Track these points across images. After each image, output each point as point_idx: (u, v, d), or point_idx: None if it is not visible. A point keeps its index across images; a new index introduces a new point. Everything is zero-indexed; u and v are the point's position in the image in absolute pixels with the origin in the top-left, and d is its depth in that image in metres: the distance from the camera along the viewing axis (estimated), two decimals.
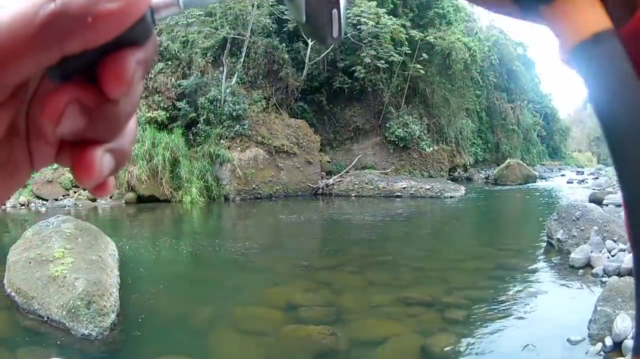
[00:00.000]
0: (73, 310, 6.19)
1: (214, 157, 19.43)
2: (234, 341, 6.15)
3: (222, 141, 19.74)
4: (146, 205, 18.96)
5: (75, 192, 21.60)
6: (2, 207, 20.68)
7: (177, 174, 19.32)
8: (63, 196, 21.64)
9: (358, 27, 21.78)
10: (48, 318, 6.45)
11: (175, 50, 22.85)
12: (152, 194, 19.28)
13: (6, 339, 6.37)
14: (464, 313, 6.45)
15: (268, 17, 21.79)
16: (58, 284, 6.75)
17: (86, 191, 20.16)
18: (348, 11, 21.62)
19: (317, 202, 18.43)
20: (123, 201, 19.93)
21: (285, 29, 22.18)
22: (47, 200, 21.45)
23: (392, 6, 24.60)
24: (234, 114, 19.80)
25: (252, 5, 20.83)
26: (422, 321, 6.26)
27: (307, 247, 11.14)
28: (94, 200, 20.63)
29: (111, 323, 6.20)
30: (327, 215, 15.54)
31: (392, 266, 8.89)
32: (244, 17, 21.21)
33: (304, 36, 21.39)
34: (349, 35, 21.62)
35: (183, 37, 22.90)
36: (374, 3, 22.34)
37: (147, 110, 21.84)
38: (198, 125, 20.65)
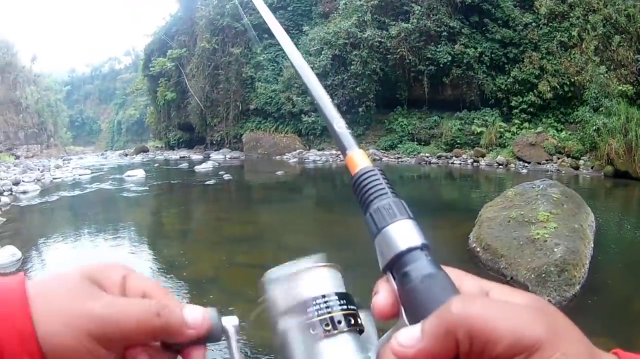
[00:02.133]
0: (543, 275, 6.00)
1: None
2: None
3: None
4: (620, 180, 18.25)
5: (559, 159, 22.04)
6: (475, 164, 23.82)
7: None
8: (546, 160, 22.17)
9: None
10: (512, 278, 6.35)
11: (624, 24, 22.75)
12: (626, 170, 18.55)
13: None
14: None
15: None
16: (536, 246, 6.58)
17: (570, 158, 21.65)
18: None
19: None
20: (602, 173, 19.43)
21: None
22: (528, 162, 22.26)
23: None
24: None
25: None
26: None
27: None
28: (576, 168, 20.73)
29: (573, 294, 5.87)
30: None
31: None
32: None
33: None
34: None
35: (624, 10, 22.85)
36: None
37: (618, 83, 21.88)
38: None
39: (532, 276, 6.14)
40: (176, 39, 40.90)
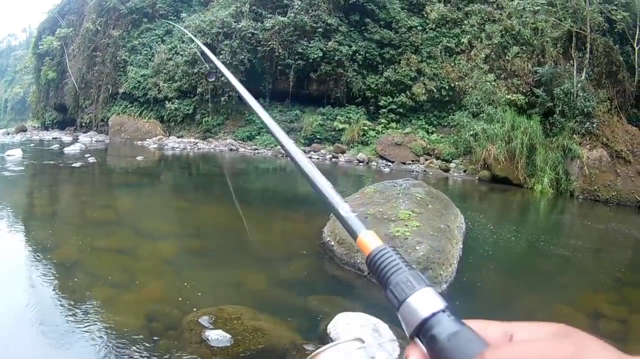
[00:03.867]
0: None
1: (566, 151, 19.29)
2: None
3: (574, 136, 19.59)
4: (498, 185, 19.12)
5: (426, 160, 22.37)
6: (334, 159, 22.64)
7: (532, 160, 19.30)
8: (412, 160, 22.44)
9: None
10: (369, 273, 5.69)
11: (527, 36, 23.20)
12: (506, 176, 19.54)
13: (309, 283, 6.56)
14: None
15: (599, 14, 21.26)
16: (396, 244, 6.56)
17: (440, 160, 22.09)
18: None
19: (638, 216, 17.40)
20: (477, 177, 20.26)
21: (615, 29, 21.32)
22: (392, 162, 22.40)
23: None
24: (585, 110, 19.64)
25: (585, 0, 20.71)
26: None
27: (623, 259, 10.82)
28: (446, 170, 21.22)
29: (439, 293, 5.54)
30: None
31: None
32: (581, 12, 21.14)
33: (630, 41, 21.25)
34: None
35: (532, 23, 23.11)
36: None
37: (506, 92, 22.56)
38: (554, 115, 20.53)
39: None
40: (66, 18, 39.89)
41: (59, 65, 39.19)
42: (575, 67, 20.93)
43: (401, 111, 25.60)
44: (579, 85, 20.22)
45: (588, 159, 19.12)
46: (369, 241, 0.66)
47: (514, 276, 8.43)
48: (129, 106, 32.53)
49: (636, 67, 21.37)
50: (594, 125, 19.69)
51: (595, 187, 18.91)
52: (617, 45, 21.83)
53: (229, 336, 4.43)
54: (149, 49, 32.55)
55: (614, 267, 9.76)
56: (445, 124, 24.61)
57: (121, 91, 32.65)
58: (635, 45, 20.95)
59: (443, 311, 0.57)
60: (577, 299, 7.50)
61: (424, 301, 0.58)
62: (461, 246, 7.81)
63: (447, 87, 24.91)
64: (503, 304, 6.88)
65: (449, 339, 0.53)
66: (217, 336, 4.39)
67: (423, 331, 0.56)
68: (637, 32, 20.75)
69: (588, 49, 21.20)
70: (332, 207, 0.71)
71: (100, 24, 34.32)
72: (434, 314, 0.56)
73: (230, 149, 25.38)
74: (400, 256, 0.63)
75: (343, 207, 0.70)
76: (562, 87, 20.33)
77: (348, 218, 0.68)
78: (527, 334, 0.56)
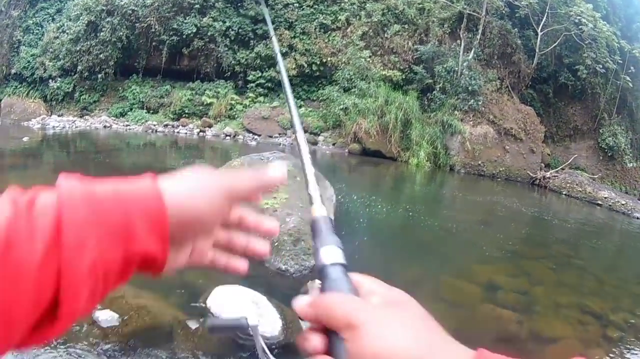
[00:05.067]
0: (276, 244, 6.29)
1: (446, 127, 19.38)
2: (431, 307, 5.44)
3: (455, 112, 19.65)
4: (370, 159, 19.24)
5: (293, 133, 21.55)
6: (201, 134, 21.92)
7: (407, 135, 19.48)
8: (279, 134, 22.46)
9: (580, 27, 21.02)
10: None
11: (411, 16, 23.34)
12: (378, 149, 19.57)
13: None
14: (623, 334, 6.22)
15: None
16: (265, 216, 6.46)
17: (307, 133, 21.39)
18: (570, 9, 21.25)
19: (532, 192, 18.08)
20: (346, 150, 20.38)
21: (517, 14, 21.92)
22: (259, 135, 22.42)
23: (604, 12, 23.58)
24: (469, 88, 19.71)
25: None
26: (587, 330, 6.19)
27: (515, 233, 10.91)
28: (314, 143, 21.37)
29: (313, 264, 5.65)
30: (539, 207, 15.17)
31: (580, 271, 8.75)
32: None
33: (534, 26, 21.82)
34: (572, 32, 21.08)
35: (419, 4, 23.39)
36: (590, 6, 21.60)
37: (382, 68, 22.52)
38: (434, 92, 20.70)
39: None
40: None
41: None
42: (462, 46, 21.16)
43: (269, 85, 25.45)
44: (464, 64, 20.48)
45: (471, 134, 19.23)
46: (318, 209, 0.78)
47: (393, 249, 8.47)
48: (18, 87, 31.49)
49: (537, 50, 22.01)
50: (479, 103, 19.84)
51: (480, 162, 19.18)
52: (516, 29, 22.43)
53: (116, 315, 4.46)
54: (40, 28, 31.82)
55: (508, 241, 9.85)
56: (315, 98, 24.61)
57: (13, 71, 31.75)
58: (538, 30, 21.56)
59: (341, 264, 0.70)
60: (468, 272, 7.58)
61: (330, 254, 0.71)
62: (332, 218, 6.48)
63: (318, 63, 24.84)
64: (383, 276, 5.65)
65: (332, 281, 0.67)
66: (106, 317, 4.42)
67: (322, 274, 0.69)
68: (544, 18, 21.62)
69: (480, 31, 21.48)
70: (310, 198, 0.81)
71: (5, 4, 33.16)
72: (332, 264, 0.70)
73: (105, 126, 24.92)
74: (332, 225, 0.76)
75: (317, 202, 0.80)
76: (445, 66, 20.59)
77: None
78: (372, 290, 0.68)
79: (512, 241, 9.87)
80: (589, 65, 21.45)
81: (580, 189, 17.87)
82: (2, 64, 32.27)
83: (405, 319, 0.61)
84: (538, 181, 19.15)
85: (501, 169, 19.21)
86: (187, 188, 0.67)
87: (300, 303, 0.65)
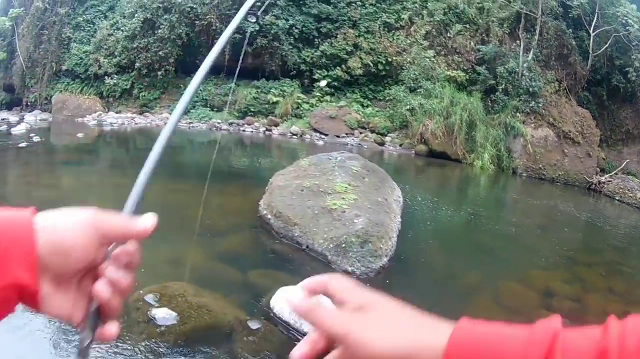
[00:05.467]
0: (344, 245, 6.18)
1: (509, 129, 19.39)
2: (490, 312, 6.11)
3: (518, 114, 19.69)
4: (436, 160, 19.16)
5: (361, 134, 22.23)
6: (268, 133, 24.45)
7: (472, 137, 19.42)
8: (346, 134, 22.26)
9: (627, 27, 21.11)
10: (308, 247, 6.49)
11: (472, 15, 23.34)
12: (444, 151, 19.48)
13: (248, 257, 6.66)
14: None
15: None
16: (333, 217, 6.72)
17: (375, 134, 22.16)
18: (617, 10, 21.39)
19: (588, 197, 18.10)
20: (413, 152, 20.24)
21: (570, 15, 21.87)
22: (326, 135, 22.18)
23: None
24: (530, 89, 19.78)
25: None
26: None
27: (570, 239, 11.06)
28: (381, 144, 21.25)
29: (381, 266, 6.14)
30: (593, 213, 15.12)
31: (629, 278, 8.83)
32: None
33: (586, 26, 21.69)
34: (620, 34, 21.07)
35: (479, 3, 23.36)
36: (635, 7, 21.72)
37: (446, 68, 22.51)
38: (497, 93, 20.61)
39: (331, 246, 6.26)
40: None
41: (10, 45, 37.66)
42: (522, 47, 21.08)
43: (336, 84, 25.27)
44: (525, 65, 20.39)
45: (533, 137, 19.24)
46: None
47: (456, 251, 8.50)
48: (71, 84, 31.65)
49: (590, 52, 21.65)
50: (540, 105, 19.84)
51: (541, 166, 19.15)
52: (570, 30, 22.13)
53: (174, 314, 4.43)
54: (92, 25, 31.81)
55: (564, 246, 9.84)
56: (381, 98, 24.52)
57: (64, 68, 31.85)
58: (591, 31, 21.26)
59: None
60: (526, 277, 7.52)
61: None
62: (400, 220, 7.72)
63: (384, 62, 24.61)
64: (446, 279, 6.97)
65: None
66: (164, 315, 4.40)
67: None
68: (595, 19, 21.25)
69: (538, 31, 21.38)
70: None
71: (50, 2, 33.20)
72: None
73: (166, 124, 24.32)
74: None
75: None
76: (507, 67, 20.45)
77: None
78: (343, 299, 0.73)
79: (568, 247, 9.97)
80: (638, 67, 21.33)
81: (631, 195, 17.85)
82: (52, 60, 32.67)
83: (382, 318, 0.69)
84: (594, 186, 19.14)
85: (560, 174, 19.24)
86: (59, 221, 0.71)
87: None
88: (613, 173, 20.25)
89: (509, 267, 8.14)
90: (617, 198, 17.93)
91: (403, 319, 0.69)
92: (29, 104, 34.51)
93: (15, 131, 21.74)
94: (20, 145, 16.74)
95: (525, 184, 18.08)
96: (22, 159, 15.16)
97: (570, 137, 19.67)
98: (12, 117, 30.90)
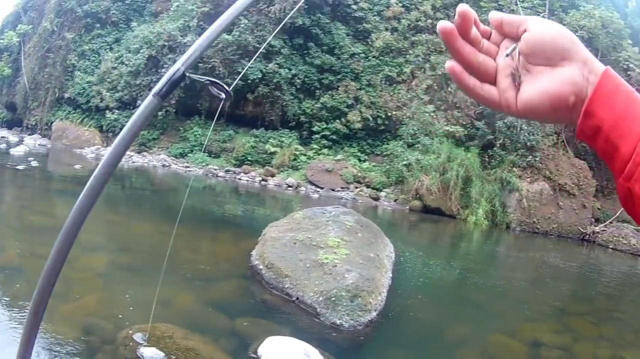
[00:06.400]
0: (334, 299, 6.26)
1: (505, 184, 19.63)
2: None
3: (514, 169, 19.83)
4: (430, 216, 19.27)
5: (356, 188, 22.29)
6: (263, 182, 22.69)
7: (467, 192, 19.49)
8: (342, 187, 22.36)
9: (628, 72, 21.32)
10: (297, 298, 6.58)
11: None
12: (438, 207, 19.61)
13: (238, 305, 6.76)
14: None
15: None
16: (324, 270, 6.84)
17: (370, 188, 22.23)
18: (619, 55, 21.80)
19: (581, 248, 18.21)
20: (407, 207, 20.39)
21: None
22: (322, 188, 22.32)
23: None
24: (528, 143, 19.98)
25: None
26: None
27: (561, 291, 11.36)
28: (376, 199, 21.32)
29: (369, 320, 6.21)
30: (585, 264, 15.51)
31: (620, 323, 9.01)
32: None
33: None
34: None
35: None
36: (637, 49, 22.27)
37: (445, 123, 22.82)
38: (494, 148, 21.10)
39: (321, 298, 6.38)
40: (28, 14, 39.94)
41: (15, 62, 38.85)
42: None
43: (334, 137, 25.41)
44: (523, 119, 20.18)
45: (528, 191, 19.33)
46: None
47: (445, 306, 8.72)
48: (72, 112, 32.43)
49: None
50: (537, 159, 19.98)
51: (534, 219, 19.19)
52: None
53: (162, 354, 4.44)
54: (97, 55, 32.51)
55: (553, 298, 10.15)
56: (379, 152, 24.63)
57: (66, 95, 32.60)
58: None
59: None
60: (514, 329, 7.74)
61: None
62: (390, 275, 7.91)
63: (383, 116, 24.82)
64: (434, 333, 7.14)
65: None
66: (152, 354, 4.41)
67: None
68: None
69: None
70: None
71: (57, 24, 34.25)
72: None
73: (163, 165, 25.08)
74: None
75: None
76: (505, 121, 20.43)
77: None
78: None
79: (557, 298, 10.23)
80: None
81: (625, 241, 18.10)
82: (55, 86, 33.66)
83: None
84: (587, 236, 19.20)
85: (554, 226, 19.25)
86: None
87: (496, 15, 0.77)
88: (607, 222, 20.35)
89: (497, 321, 8.30)
90: (611, 246, 18.17)
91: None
92: (29, 126, 35.73)
93: (14, 151, 22.52)
94: (18, 167, 17.55)
95: (518, 239, 18.19)
96: (18, 181, 15.83)
97: (566, 189, 19.77)
98: (12, 137, 32.38)
